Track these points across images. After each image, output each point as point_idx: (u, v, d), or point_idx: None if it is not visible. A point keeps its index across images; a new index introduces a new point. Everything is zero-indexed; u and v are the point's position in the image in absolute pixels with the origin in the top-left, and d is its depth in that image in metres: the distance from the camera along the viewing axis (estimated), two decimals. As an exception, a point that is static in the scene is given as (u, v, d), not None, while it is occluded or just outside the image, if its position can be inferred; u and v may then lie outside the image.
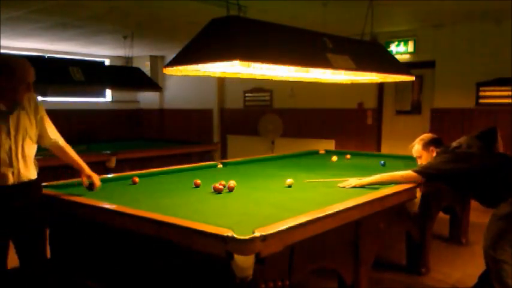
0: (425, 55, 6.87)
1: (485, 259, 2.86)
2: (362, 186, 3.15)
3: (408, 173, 3.13)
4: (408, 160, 3.70)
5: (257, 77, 3.90)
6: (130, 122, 10.43)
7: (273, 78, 4.18)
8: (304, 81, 4.65)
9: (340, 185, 3.22)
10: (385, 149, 7.31)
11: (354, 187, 3.15)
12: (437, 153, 3.20)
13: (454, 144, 3.15)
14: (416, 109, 7.18)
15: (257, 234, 1.84)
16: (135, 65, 8.69)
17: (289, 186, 3.22)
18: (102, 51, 9.30)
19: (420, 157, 3.34)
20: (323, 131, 7.98)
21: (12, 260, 3.59)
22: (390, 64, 4.28)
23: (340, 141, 7.74)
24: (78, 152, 2.94)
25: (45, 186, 3.06)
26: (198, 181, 3.26)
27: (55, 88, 7.70)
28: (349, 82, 4.76)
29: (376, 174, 3.28)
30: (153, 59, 9.90)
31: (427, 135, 3.38)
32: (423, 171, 3.10)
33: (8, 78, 2.39)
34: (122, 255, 2.59)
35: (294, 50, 3.20)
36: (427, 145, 3.28)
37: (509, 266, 2.71)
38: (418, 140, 3.38)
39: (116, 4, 5.32)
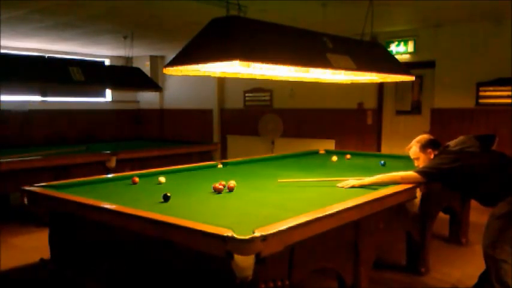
0: (425, 55, 6.87)
1: (484, 258, 2.87)
2: (361, 187, 3.14)
3: (408, 173, 3.13)
4: (408, 160, 3.69)
5: (257, 77, 3.90)
6: (131, 122, 10.42)
7: (273, 78, 4.18)
8: (304, 81, 4.65)
9: (339, 184, 3.22)
10: (385, 149, 7.30)
11: (353, 187, 3.15)
12: (435, 154, 3.19)
13: (452, 144, 3.15)
14: (416, 109, 7.18)
15: (257, 234, 1.85)
16: (135, 65, 8.68)
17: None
18: (102, 51, 9.29)
19: (418, 159, 3.32)
20: (323, 131, 7.98)
21: (13, 260, 3.61)
22: (390, 64, 4.28)
23: (340, 141, 7.74)
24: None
25: (45, 186, 3.07)
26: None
27: (55, 88, 7.71)
28: (349, 82, 4.76)
29: (376, 174, 3.27)
30: (153, 59, 9.90)
31: (423, 137, 3.36)
32: (424, 172, 3.09)
33: None
34: (121, 255, 2.59)
35: (294, 50, 3.20)
36: (424, 147, 3.27)
37: (509, 265, 2.72)
38: (414, 141, 3.36)
39: (116, 4, 5.32)
